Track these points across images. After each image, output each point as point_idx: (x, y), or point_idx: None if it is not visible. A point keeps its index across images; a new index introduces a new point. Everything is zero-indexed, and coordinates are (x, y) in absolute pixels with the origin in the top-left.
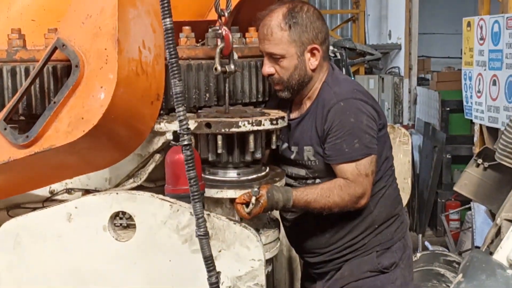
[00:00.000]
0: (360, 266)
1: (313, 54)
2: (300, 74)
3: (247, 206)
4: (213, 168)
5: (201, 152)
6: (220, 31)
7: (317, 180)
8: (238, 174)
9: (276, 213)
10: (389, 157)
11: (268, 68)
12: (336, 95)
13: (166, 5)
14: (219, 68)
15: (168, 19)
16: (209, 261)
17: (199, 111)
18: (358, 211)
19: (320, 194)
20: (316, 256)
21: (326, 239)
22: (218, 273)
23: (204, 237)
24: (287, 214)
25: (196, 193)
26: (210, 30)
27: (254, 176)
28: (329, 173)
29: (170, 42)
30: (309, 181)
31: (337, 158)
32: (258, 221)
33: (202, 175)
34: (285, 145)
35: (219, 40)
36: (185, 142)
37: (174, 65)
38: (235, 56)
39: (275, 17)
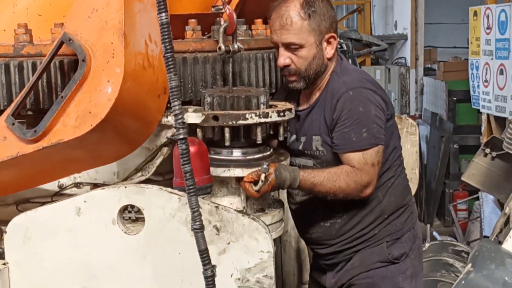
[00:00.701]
0: (371, 257)
1: (329, 43)
2: (318, 63)
3: (255, 184)
4: (218, 148)
5: (206, 133)
6: (223, 10)
7: None
8: (244, 153)
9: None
10: (397, 147)
11: (284, 59)
12: (345, 84)
13: (161, 0)
14: (222, 47)
15: (163, 14)
16: (204, 255)
17: (203, 90)
18: (367, 201)
19: (327, 177)
20: (326, 247)
21: (335, 230)
22: (214, 266)
23: (199, 230)
24: (296, 206)
25: (191, 187)
26: (212, 9)
27: (260, 155)
28: (337, 164)
29: (166, 36)
30: None
31: (345, 147)
32: (263, 201)
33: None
34: (294, 137)
35: (222, 20)
36: (181, 136)
37: (170, 59)
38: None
39: (292, 6)
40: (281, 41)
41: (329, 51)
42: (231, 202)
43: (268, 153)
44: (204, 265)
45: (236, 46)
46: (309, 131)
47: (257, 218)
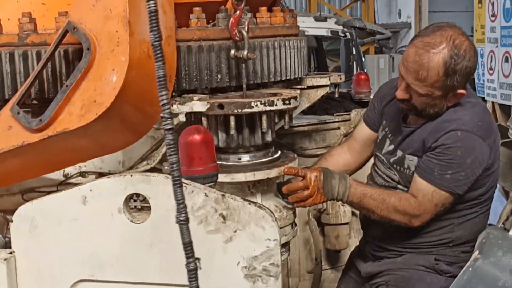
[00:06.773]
0: (415, 259)
1: (455, 96)
2: (435, 110)
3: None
4: (224, 154)
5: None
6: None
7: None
8: (251, 157)
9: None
10: (492, 190)
11: (403, 94)
12: (457, 123)
13: None
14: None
15: (152, 2)
16: (188, 248)
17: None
18: (439, 225)
19: (379, 192)
20: (379, 241)
21: (396, 237)
22: (197, 259)
23: (184, 222)
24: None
25: (177, 178)
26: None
27: (265, 159)
28: None
29: (154, 24)
30: (399, 186)
31: (423, 174)
32: (270, 206)
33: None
34: (391, 146)
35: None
36: (168, 127)
37: (158, 48)
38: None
39: (437, 58)
40: (407, 82)
41: (452, 101)
42: None
43: (276, 156)
44: (187, 257)
45: (245, 53)
46: (406, 149)
47: (264, 206)
